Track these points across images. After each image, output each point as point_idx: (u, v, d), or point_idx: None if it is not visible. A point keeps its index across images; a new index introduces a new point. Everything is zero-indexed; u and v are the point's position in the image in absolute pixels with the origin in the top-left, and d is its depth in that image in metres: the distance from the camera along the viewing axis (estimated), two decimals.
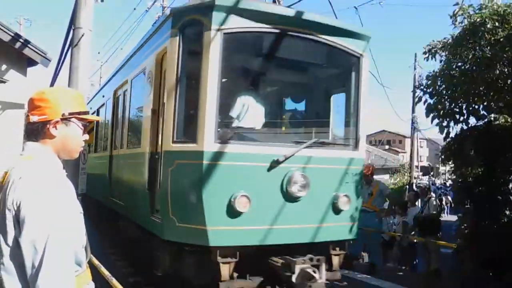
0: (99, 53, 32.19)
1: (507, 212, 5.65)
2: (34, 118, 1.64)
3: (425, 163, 54.08)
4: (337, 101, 5.71)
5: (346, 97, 5.32)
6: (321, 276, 4.23)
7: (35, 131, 1.66)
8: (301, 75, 5.68)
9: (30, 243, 1.44)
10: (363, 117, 4.99)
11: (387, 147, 49.63)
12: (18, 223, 1.48)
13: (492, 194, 5.65)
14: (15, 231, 1.50)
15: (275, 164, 4.25)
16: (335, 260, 4.86)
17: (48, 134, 1.66)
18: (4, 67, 7.60)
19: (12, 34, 7.54)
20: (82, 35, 6.84)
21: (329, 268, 4.65)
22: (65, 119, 1.69)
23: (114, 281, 3.70)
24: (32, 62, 8.02)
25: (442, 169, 50.04)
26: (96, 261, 4.26)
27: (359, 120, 4.96)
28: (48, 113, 1.65)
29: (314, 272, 4.15)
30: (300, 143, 4.53)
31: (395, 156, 35.01)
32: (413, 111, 22.98)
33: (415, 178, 23.76)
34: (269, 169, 4.26)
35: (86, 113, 1.79)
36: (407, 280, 7.13)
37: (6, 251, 1.51)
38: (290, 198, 4.31)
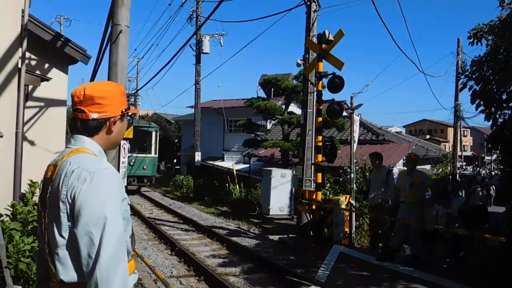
0: (135, 49, 32.90)
1: None
2: (94, 115, 1.67)
3: (469, 152, 52.18)
4: None
5: None
6: None
7: (92, 127, 1.69)
8: None
9: (86, 235, 1.47)
10: None
11: (428, 136, 48.19)
12: (73, 215, 1.51)
13: None
14: (69, 223, 1.53)
15: None
16: None
17: (107, 130, 1.73)
18: (46, 65, 7.84)
19: (53, 33, 7.78)
20: (120, 32, 6.96)
21: None
22: (122, 115, 1.76)
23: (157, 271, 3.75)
24: (72, 60, 8.25)
25: (487, 158, 48.16)
26: (139, 251, 4.34)
27: None
28: (109, 111, 1.71)
29: None
30: None
31: (437, 145, 33.92)
32: (456, 99, 22.21)
33: (458, 168, 22.96)
34: None
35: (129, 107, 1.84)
36: (452, 273, 6.91)
37: (61, 242, 1.54)
38: None
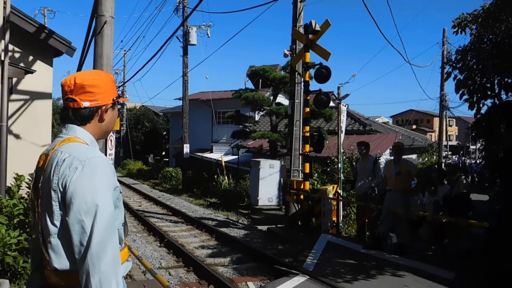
0: (122, 41, 32.60)
1: None
2: (86, 104, 1.68)
3: (454, 142, 52.87)
4: None
5: None
6: None
7: (84, 116, 1.70)
8: None
9: (78, 223, 1.48)
10: None
11: (414, 126, 48.65)
12: (64, 203, 1.52)
13: None
14: (61, 211, 1.54)
15: None
16: None
17: (99, 119, 1.73)
18: (31, 58, 7.73)
19: (37, 25, 7.66)
20: (105, 23, 6.89)
21: None
22: (113, 104, 1.77)
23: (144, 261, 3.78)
24: (57, 52, 8.14)
25: (472, 148, 48.87)
26: (127, 243, 4.35)
27: None
28: (101, 99, 1.71)
29: None
30: None
31: (423, 135, 34.31)
32: (441, 89, 22.44)
33: (444, 157, 23.28)
34: None
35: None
36: (437, 259, 7.06)
37: (53, 230, 1.55)
38: None
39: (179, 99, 24.99)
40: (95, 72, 1.80)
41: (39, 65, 7.73)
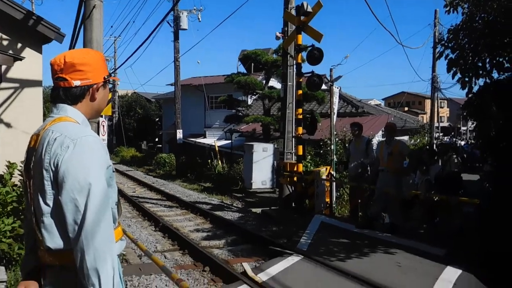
0: (111, 27, 32.20)
1: None
2: (76, 83, 1.65)
3: (445, 123, 53.24)
4: None
5: None
6: None
7: (75, 95, 1.67)
8: None
9: (71, 202, 1.48)
10: None
11: (406, 108, 48.84)
12: (57, 182, 1.51)
13: None
14: (54, 191, 1.53)
15: None
16: None
17: (91, 97, 1.71)
18: (19, 45, 7.62)
19: (25, 12, 7.52)
20: (94, 7, 6.82)
21: None
22: (104, 82, 1.75)
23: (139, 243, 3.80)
24: (46, 39, 8.02)
25: (463, 129, 49.26)
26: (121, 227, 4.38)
27: None
28: (92, 77, 1.69)
29: None
30: None
31: (415, 117, 34.48)
32: (433, 70, 22.49)
33: (435, 138, 23.46)
34: None
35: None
36: (428, 238, 7.18)
37: (46, 210, 1.55)
38: None
39: (171, 84, 24.84)
40: (85, 50, 1.78)
41: (28, 53, 7.61)
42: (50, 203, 1.54)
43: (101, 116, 7.90)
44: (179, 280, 3.60)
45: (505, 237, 5.30)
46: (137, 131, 37.71)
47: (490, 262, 5.40)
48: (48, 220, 1.55)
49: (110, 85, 1.84)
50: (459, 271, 5.38)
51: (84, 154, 1.52)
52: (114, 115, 33.41)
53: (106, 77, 1.75)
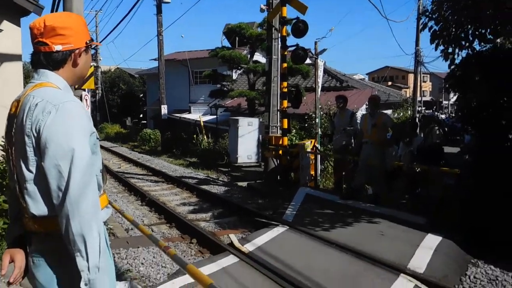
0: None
1: (511, 136, 5.67)
2: (58, 47, 1.60)
3: (428, 97, 53.84)
4: None
5: None
6: None
7: (57, 60, 1.63)
8: None
9: (54, 168, 1.45)
10: None
11: (390, 83, 49.11)
12: (39, 148, 1.49)
13: (497, 119, 5.64)
14: (36, 157, 1.51)
15: None
16: None
17: (73, 63, 1.67)
18: None
19: None
20: None
21: None
22: (86, 47, 1.70)
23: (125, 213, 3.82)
24: (24, 11, 7.78)
25: (445, 103, 49.90)
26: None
27: None
28: (74, 42, 1.64)
29: None
30: None
31: (398, 91, 34.72)
32: (416, 44, 22.56)
33: (418, 112, 23.74)
34: None
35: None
36: (410, 207, 7.36)
37: (29, 176, 1.53)
38: None
39: (155, 59, 24.41)
40: (66, 14, 1.72)
41: (5, 25, 7.39)
42: (33, 169, 1.52)
43: (84, 90, 7.76)
44: (166, 248, 3.64)
45: (484, 207, 5.47)
46: (121, 107, 37.20)
47: (468, 230, 5.57)
48: (31, 187, 1.53)
49: (93, 51, 1.81)
50: (439, 238, 5.55)
51: (66, 120, 1.49)
52: (97, 91, 32.86)
53: (88, 42, 1.70)
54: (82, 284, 1.45)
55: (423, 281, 4.29)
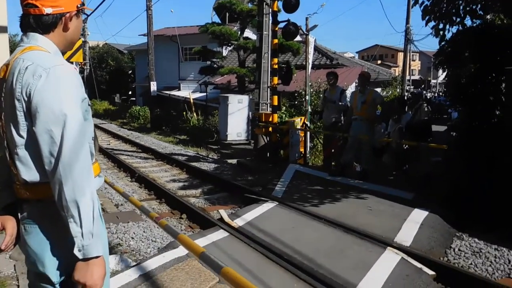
0: None
1: (498, 112, 5.73)
2: (48, 10, 1.55)
3: (416, 76, 54.07)
4: None
5: None
6: None
7: (47, 23, 1.58)
8: None
9: (46, 133, 1.43)
10: None
11: (379, 62, 49.08)
12: (30, 113, 1.46)
13: (485, 96, 5.69)
14: (27, 122, 1.48)
15: None
16: None
17: (64, 27, 1.62)
18: None
19: None
20: None
21: None
22: (78, 11, 1.65)
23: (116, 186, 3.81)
24: None
25: (433, 81, 50.15)
26: None
27: None
28: (64, 5, 1.59)
29: None
30: None
31: (387, 70, 34.75)
32: (407, 22, 22.46)
33: (407, 91, 23.84)
34: None
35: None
36: (398, 183, 7.46)
37: (20, 141, 1.51)
38: None
39: (144, 35, 24.01)
40: None
41: None
42: (24, 134, 1.50)
43: (72, 63, 7.62)
44: (158, 218, 3.65)
45: (469, 182, 5.57)
46: (110, 83, 36.69)
47: (454, 204, 5.69)
48: (22, 152, 1.51)
49: (84, 16, 1.77)
50: (426, 213, 5.66)
51: (58, 84, 1.46)
52: (85, 67, 32.27)
53: (79, 5, 1.65)
54: (75, 250, 1.44)
55: (409, 254, 4.38)
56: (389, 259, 4.27)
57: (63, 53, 1.73)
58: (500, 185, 5.16)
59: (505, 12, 5.82)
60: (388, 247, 4.54)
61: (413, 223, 5.34)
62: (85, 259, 1.46)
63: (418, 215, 5.60)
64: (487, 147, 5.45)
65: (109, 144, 15.22)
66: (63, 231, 1.47)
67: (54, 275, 1.57)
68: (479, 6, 6.03)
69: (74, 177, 1.42)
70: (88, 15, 26.34)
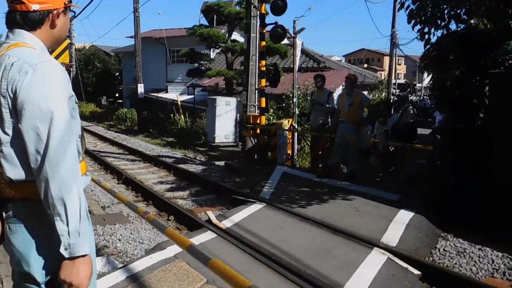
0: None
1: (481, 115, 5.84)
2: (35, 7, 1.54)
3: (402, 80, 54.79)
4: None
5: None
6: None
7: (34, 20, 1.56)
8: None
9: (33, 130, 1.41)
10: None
11: (365, 65, 49.56)
12: (16, 110, 1.44)
13: (469, 98, 5.79)
14: (13, 119, 1.47)
15: None
16: None
17: (51, 24, 1.60)
18: None
19: None
20: None
21: None
22: (65, 8, 1.63)
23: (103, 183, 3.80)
24: None
25: (418, 85, 50.85)
26: None
27: None
28: (52, 2, 1.57)
29: None
30: None
31: (373, 73, 35.11)
32: (393, 26, 22.75)
33: (392, 94, 24.13)
34: None
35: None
36: (384, 185, 7.54)
37: (5, 139, 1.49)
38: None
39: (131, 37, 23.87)
40: None
41: None
42: (9, 131, 1.48)
43: None
44: (145, 213, 3.64)
45: (453, 184, 5.66)
46: (96, 86, 36.35)
47: (439, 206, 5.77)
48: (7, 150, 1.49)
49: (71, 14, 1.74)
50: (411, 214, 5.72)
51: (45, 81, 1.44)
52: (71, 69, 31.93)
53: (67, 2, 1.64)
54: (61, 249, 1.43)
55: (395, 254, 4.43)
56: (375, 259, 4.30)
57: (50, 52, 1.72)
58: (483, 187, 5.26)
59: (488, 17, 5.95)
60: (375, 248, 4.57)
61: (399, 224, 5.39)
62: (72, 258, 1.45)
63: (404, 216, 5.66)
64: (471, 150, 5.55)
65: (96, 146, 15.08)
66: (49, 230, 1.46)
67: (40, 275, 1.55)
68: (463, 10, 6.14)
69: (61, 175, 1.41)
70: (75, 14, 26.05)
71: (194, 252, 2.37)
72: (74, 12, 1.79)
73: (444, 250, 4.81)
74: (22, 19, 1.56)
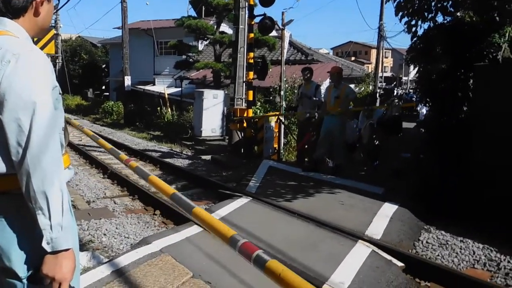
0: None
1: (465, 108, 5.90)
2: None
3: (389, 73, 55.17)
4: None
5: None
6: None
7: (17, 7, 1.52)
8: None
9: (14, 121, 1.37)
10: None
11: (353, 58, 49.74)
12: None
13: (454, 91, 5.84)
14: None
15: None
16: None
17: (34, 12, 1.56)
18: None
19: None
20: None
21: None
22: None
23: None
24: None
25: (404, 79, 51.26)
26: None
27: None
28: None
29: None
30: None
31: (361, 66, 35.26)
32: (380, 19, 22.83)
33: (379, 88, 24.27)
34: None
35: None
36: (368, 178, 7.60)
37: None
38: None
39: (118, 28, 23.59)
40: None
41: None
42: None
43: None
44: (127, 161, 3.59)
45: (437, 176, 5.72)
46: (83, 78, 35.86)
47: (423, 199, 5.84)
48: None
49: (55, 1, 1.71)
50: (395, 207, 5.79)
51: (28, 70, 1.40)
52: (57, 61, 31.45)
53: None
54: (44, 243, 1.40)
55: (379, 246, 4.48)
56: (360, 252, 4.35)
57: (35, 42, 1.68)
58: (465, 180, 5.33)
59: (474, 10, 5.98)
60: (359, 240, 4.62)
61: (383, 217, 5.45)
62: (54, 252, 1.42)
63: (388, 209, 5.72)
64: (456, 143, 5.61)
65: (81, 140, 14.89)
66: (30, 224, 1.43)
67: (21, 270, 1.52)
68: (450, 3, 6.18)
69: (43, 168, 1.38)
70: (62, 3, 25.70)
71: (178, 199, 2.41)
72: (59, 0, 1.74)
73: (427, 242, 4.87)
74: (4, 6, 1.51)
